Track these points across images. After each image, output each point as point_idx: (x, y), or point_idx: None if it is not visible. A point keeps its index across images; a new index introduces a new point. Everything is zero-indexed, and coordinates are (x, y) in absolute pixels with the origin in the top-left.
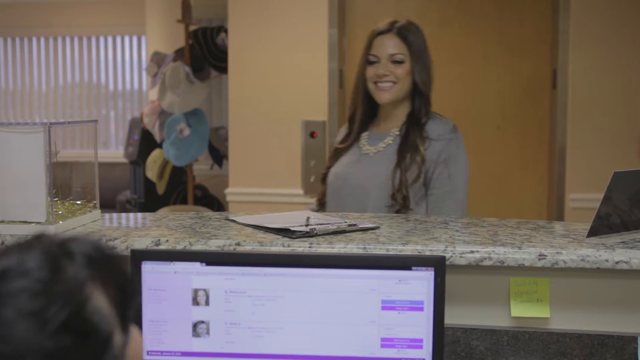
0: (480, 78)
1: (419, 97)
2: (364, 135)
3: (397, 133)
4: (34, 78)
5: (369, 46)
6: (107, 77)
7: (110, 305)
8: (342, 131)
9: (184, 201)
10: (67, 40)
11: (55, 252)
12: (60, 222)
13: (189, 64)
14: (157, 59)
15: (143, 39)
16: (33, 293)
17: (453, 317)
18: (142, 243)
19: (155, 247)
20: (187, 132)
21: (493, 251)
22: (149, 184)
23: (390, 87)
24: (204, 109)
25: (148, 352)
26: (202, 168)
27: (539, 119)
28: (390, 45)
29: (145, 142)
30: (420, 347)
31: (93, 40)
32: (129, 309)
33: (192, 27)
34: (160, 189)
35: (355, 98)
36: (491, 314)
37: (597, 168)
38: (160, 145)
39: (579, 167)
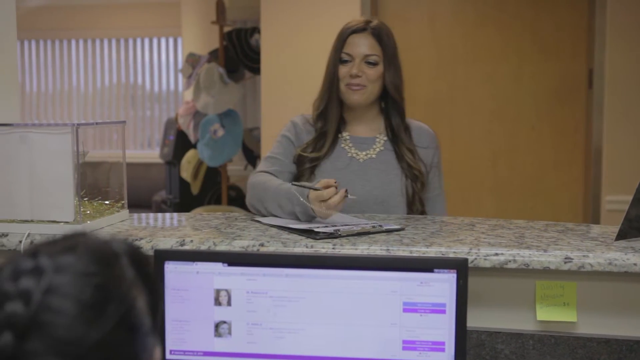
0: (514, 77)
1: (392, 103)
2: (345, 136)
3: (385, 139)
4: (72, 80)
5: (342, 44)
6: (143, 78)
7: (147, 308)
8: (300, 132)
9: (218, 201)
10: (105, 42)
11: (103, 251)
12: (88, 222)
13: (223, 65)
14: (192, 60)
15: (179, 41)
16: (93, 287)
17: (478, 320)
18: (167, 243)
19: (180, 247)
20: (221, 132)
21: (518, 254)
22: (184, 184)
23: (361, 89)
24: (239, 109)
25: (171, 352)
26: (236, 168)
27: (575, 119)
28: (365, 45)
29: (180, 143)
30: (443, 350)
31: (130, 42)
32: (158, 312)
33: (226, 29)
34: (195, 189)
35: (327, 98)
36: (517, 318)
37: (634, 169)
38: (194, 146)
39: (615, 169)
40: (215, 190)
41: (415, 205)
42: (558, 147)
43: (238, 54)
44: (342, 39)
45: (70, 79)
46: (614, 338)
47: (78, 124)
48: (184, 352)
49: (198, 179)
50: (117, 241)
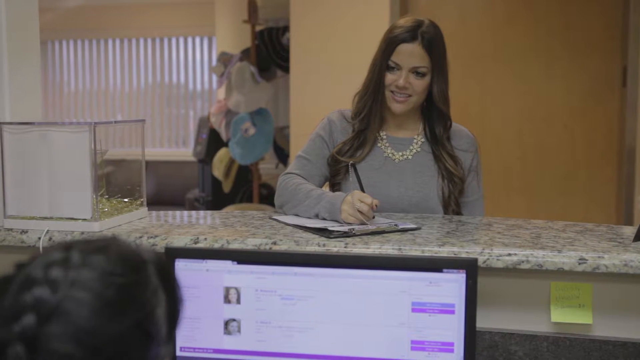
0: (546, 75)
1: (437, 111)
2: (382, 136)
3: (422, 140)
4: (109, 79)
5: (390, 51)
6: (178, 77)
7: (165, 317)
8: (335, 130)
9: (249, 199)
10: (141, 41)
11: (132, 256)
12: (105, 219)
13: (255, 63)
14: (224, 59)
15: (214, 40)
16: (117, 286)
17: (491, 321)
18: (182, 241)
19: (193, 245)
20: (252, 131)
21: (531, 254)
22: (217, 183)
23: (405, 99)
24: (270, 108)
25: (181, 349)
26: (267, 167)
27: (608, 117)
28: (415, 57)
29: (213, 141)
30: (452, 350)
31: (165, 41)
32: (175, 324)
33: (258, 28)
34: (227, 187)
35: (371, 102)
36: (531, 319)
37: None
38: (226, 144)
39: None
40: (247, 189)
41: (451, 206)
42: (591, 146)
43: (270, 52)
44: (392, 46)
45: (107, 78)
46: (631, 341)
47: (95, 123)
48: (194, 349)
49: (230, 177)
50: (147, 250)
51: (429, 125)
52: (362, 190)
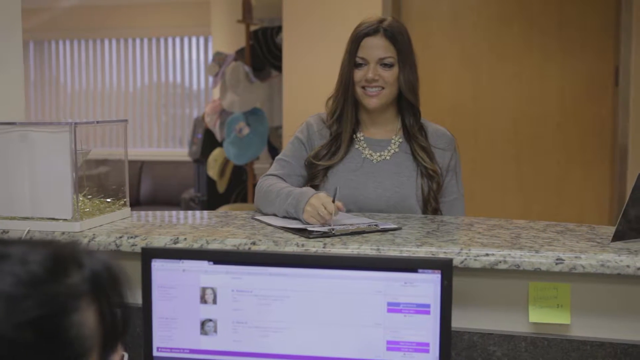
0: (540, 75)
1: (406, 103)
2: (359, 137)
3: (400, 140)
4: (105, 79)
5: (356, 48)
6: (174, 77)
7: (97, 328)
8: (313, 134)
9: (244, 199)
10: (137, 41)
11: (66, 257)
12: (87, 220)
13: (249, 63)
14: (219, 59)
15: (210, 40)
16: (18, 280)
17: (470, 322)
18: (161, 241)
19: (171, 245)
20: (246, 131)
21: (509, 254)
22: (212, 182)
23: (378, 92)
24: (265, 108)
25: (158, 349)
26: (262, 167)
27: (601, 117)
28: (380, 48)
29: (208, 141)
30: (427, 351)
31: (162, 41)
32: (116, 339)
33: (253, 27)
34: (221, 187)
35: (342, 102)
36: (509, 319)
37: None
38: (221, 144)
39: None
40: (241, 189)
41: (431, 203)
42: (584, 145)
43: (264, 52)
44: (356, 42)
45: (103, 78)
46: (609, 341)
47: (76, 123)
48: (171, 350)
49: (224, 177)
50: (94, 257)
51: (402, 121)
52: (335, 192)
